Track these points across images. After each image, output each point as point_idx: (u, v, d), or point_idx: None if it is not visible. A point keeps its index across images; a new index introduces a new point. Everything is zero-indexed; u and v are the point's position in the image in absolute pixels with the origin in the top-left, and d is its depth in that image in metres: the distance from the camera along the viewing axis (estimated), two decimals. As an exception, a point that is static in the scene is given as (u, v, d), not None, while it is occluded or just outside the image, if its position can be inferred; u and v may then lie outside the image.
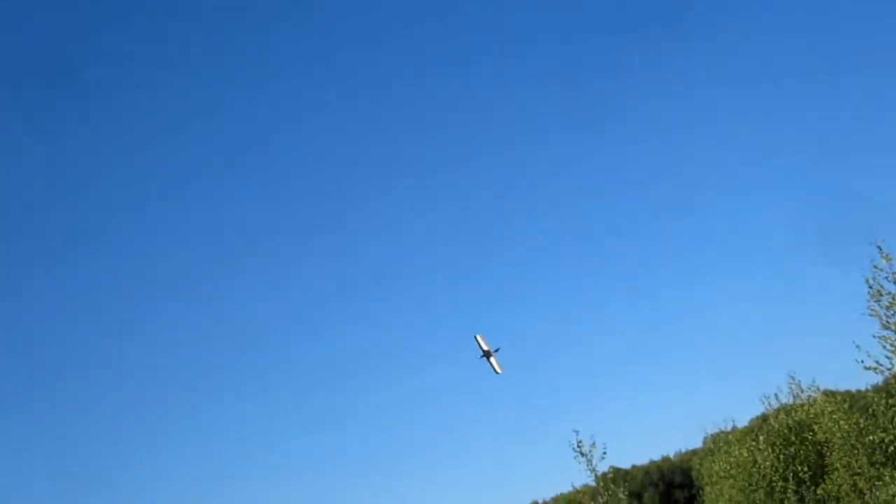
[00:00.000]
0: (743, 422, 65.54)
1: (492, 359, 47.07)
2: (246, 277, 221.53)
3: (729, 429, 56.30)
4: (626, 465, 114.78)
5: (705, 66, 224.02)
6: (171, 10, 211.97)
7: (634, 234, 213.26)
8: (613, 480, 38.98)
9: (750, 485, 46.91)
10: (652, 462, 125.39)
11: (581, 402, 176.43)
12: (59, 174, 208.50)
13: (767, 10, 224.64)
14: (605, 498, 36.41)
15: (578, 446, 36.06)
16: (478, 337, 47.00)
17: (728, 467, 49.28)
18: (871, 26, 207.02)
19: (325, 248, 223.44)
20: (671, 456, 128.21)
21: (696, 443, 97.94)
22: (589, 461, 36.09)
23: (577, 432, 36.13)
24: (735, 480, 48.16)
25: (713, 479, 52.08)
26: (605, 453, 36.42)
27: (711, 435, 59.97)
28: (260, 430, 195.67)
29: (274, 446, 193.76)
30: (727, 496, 48.84)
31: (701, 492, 61.29)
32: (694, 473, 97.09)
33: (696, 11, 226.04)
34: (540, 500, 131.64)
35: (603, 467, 37.02)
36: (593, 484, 37.57)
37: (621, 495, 36.77)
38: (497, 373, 46.90)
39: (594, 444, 36.14)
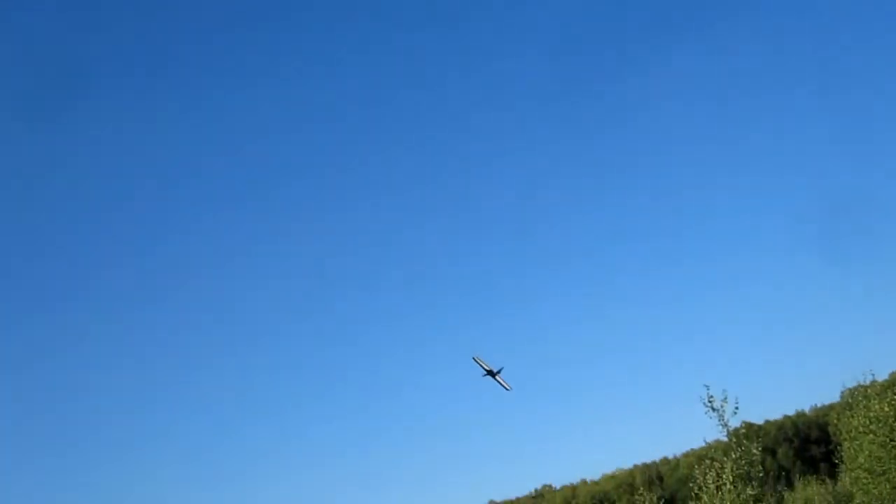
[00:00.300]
0: (883, 375, 63.51)
1: (498, 377, 45.39)
2: (246, 280, 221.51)
3: (868, 383, 54.47)
4: (759, 421, 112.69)
5: (706, 66, 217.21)
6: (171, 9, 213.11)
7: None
8: (746, 436, 38.44)
9: (891, 440, 45.51)
10: (786, 417, 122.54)
11: (713, 355, 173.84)
12: (59, 173, 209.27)
13: (767, 10, 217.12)
14: (737, 454, 35.97)
15: (710, 401, 35.79)
16: (475, 358, 45.42)
17: (867, 422, 47.79)
18: (871, 26, 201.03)
19: (324, 251, 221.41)
20: (806, 411, 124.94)
21: (833, 397, 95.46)
22: (721, 416, 35.81)
23: (707, 387, 35.87)
24: (875, 436, 46.75)
25: (852, 435, 50.62)
26: (737, 408, 35.99)
27: (849, 389, 58.12)
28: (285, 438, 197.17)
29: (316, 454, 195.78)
30: (867, 452, 47.47)
31: (839, 447, 59.66)
32: (831, 429, 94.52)
33: (696, 12, 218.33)
34: (670, 456, 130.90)
35: (735, 423, 36.63)
36: (725, 440, 37.26)
37: (754, 451, 36.21)
38: (507, 390, 45.70)
39: (726, 398, 35.80)
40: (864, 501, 48.22)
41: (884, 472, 46.02)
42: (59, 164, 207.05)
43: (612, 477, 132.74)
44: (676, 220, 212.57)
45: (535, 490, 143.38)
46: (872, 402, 48.17)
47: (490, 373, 45.45)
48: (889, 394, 47.58)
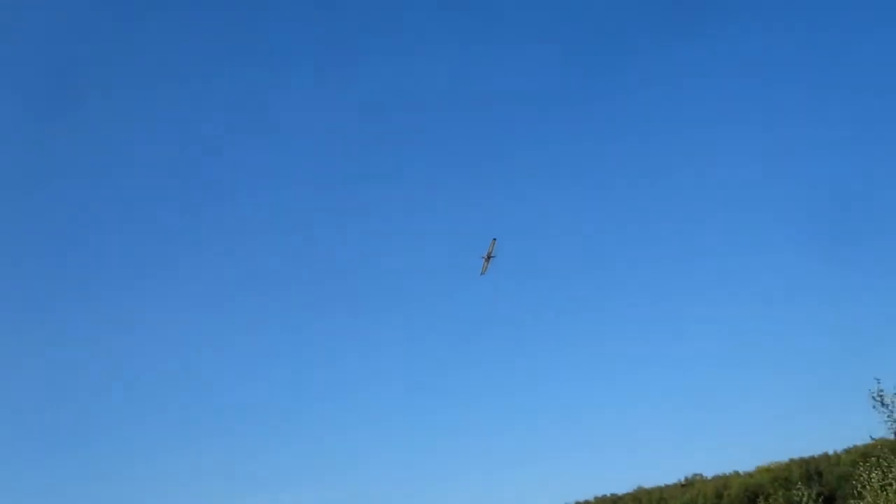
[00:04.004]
0: None
1: (487, 262, 53.17)
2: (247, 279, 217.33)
3: None
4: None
5: (706, 66, 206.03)
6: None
7: None
8: (917, 435, 36.34)
9: None
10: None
11: (883, 348, 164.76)
12: (66, 171, 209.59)
13: (768, 9, 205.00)
14: (906, 453, 34.19)
15: (879, 396, 34.08)
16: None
17: None
18: (873, 27, 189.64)
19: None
20: None
21: None
22: (890, 413, 34.06)
23: (878, 381, 34.16)
24: None
25: None
26: (908, 405, 34.19)
27: None
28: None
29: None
30: None
31: None
32: None
33: (696, 13, 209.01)
34: (830, 452, 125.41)
35: (905, 420, 34.76)
36: (893, 438, 35.45)
37: (926, 451, 34.32)
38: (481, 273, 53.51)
39: (897, 394, 34.02)
40: None
41: None
42: (65, 163, 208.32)
43: (768, 470, 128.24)
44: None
45: (686, 478, 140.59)
46: None
47: (488, 256, 53.23)
48: None
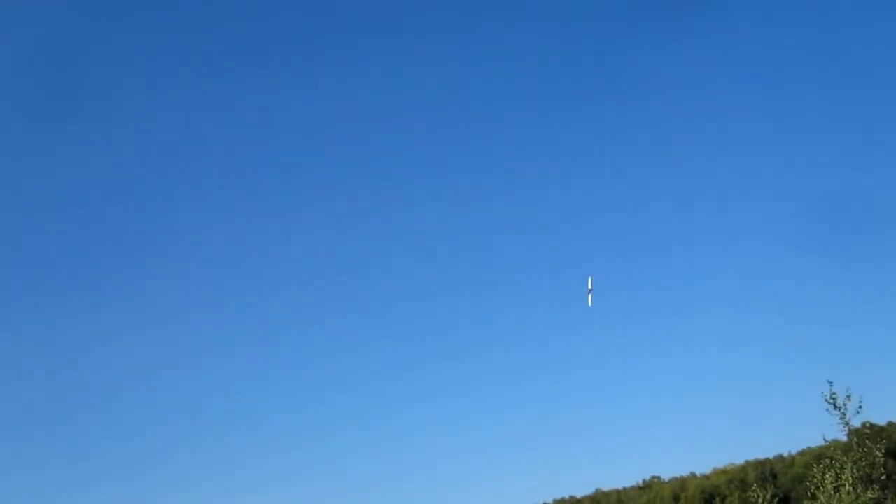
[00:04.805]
0: None
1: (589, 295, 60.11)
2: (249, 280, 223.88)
3: None
4: (882, 422, 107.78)
5: (705, 65, 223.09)
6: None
7: None
8: (869, 437, 36.89)
9: None
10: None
11: (838, 354, 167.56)
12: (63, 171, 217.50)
13: (769, 9, 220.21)
14: (858, 454, 34.55)
15: (832, 398, 34.48)
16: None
17: None
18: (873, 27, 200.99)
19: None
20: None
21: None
22: (842, 415, 34.46)
23: (830, 384, 34.54)
24: None
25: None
26: (860, 407, 34.57)
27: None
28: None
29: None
30: None
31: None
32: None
33: (696, 13, 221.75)
34: (785, 453, 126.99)
35: (857, 422, 35.24)
36: (846, 439, 35.86)
37: (877, 452, 34.74)
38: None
39: (849, 396, 34.41)
40: None
41: None
42: (62, 163, 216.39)
43: (724, 472, 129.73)
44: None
45: (643, 481, 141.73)
46: None
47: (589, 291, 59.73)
48: None
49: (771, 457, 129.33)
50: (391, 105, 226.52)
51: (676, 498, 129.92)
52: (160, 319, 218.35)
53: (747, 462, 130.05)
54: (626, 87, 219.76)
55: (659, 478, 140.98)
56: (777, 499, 47.47)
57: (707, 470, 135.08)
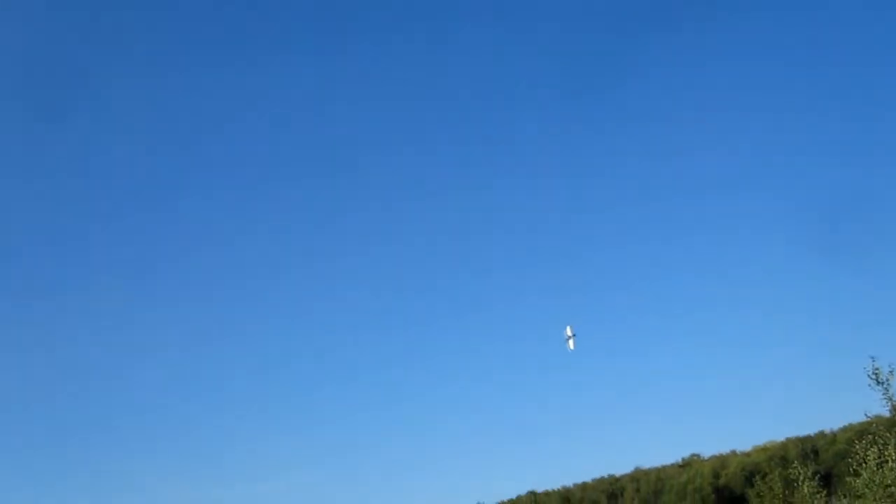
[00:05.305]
0: None
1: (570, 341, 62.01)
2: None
3: None
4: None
5: (705, 65, 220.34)
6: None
7: None
8: (913, 412, 36.28)
9: None
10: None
11: (880, 326, 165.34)
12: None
13: (769, 9, 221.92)
14: (902, 430, 34.05)
15: (875, 374, 33.97)
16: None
17: None
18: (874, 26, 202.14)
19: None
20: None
21: None
22: (886, 390, 33.95)
23: (873, 359, 34.05)
24: None
25: None
26: (904, 383, 34.06)
27: None
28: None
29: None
30: None
31: None
32: None
33: (696, 13, 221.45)
34: (826, 430, 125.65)
35: (901, 398, 34.64)
36: (889, 415, 35.36)
37: (922, 428, 34.21)
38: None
39: (892, 371, 33.87)
40: None
41: None
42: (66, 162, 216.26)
43: (764, 449, 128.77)
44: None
45: (683, 459, 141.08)
46: None
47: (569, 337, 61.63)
48: None
49: (812, 433, 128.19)
50: (383, 99, 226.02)
51: (717, 476, 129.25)
52: (151, 309, 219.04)
53: (788, 439, 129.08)
54: (626, 86, 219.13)
55: (699, 455, 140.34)
56: (819, 475, 46.96)
57: (748, 447, 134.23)
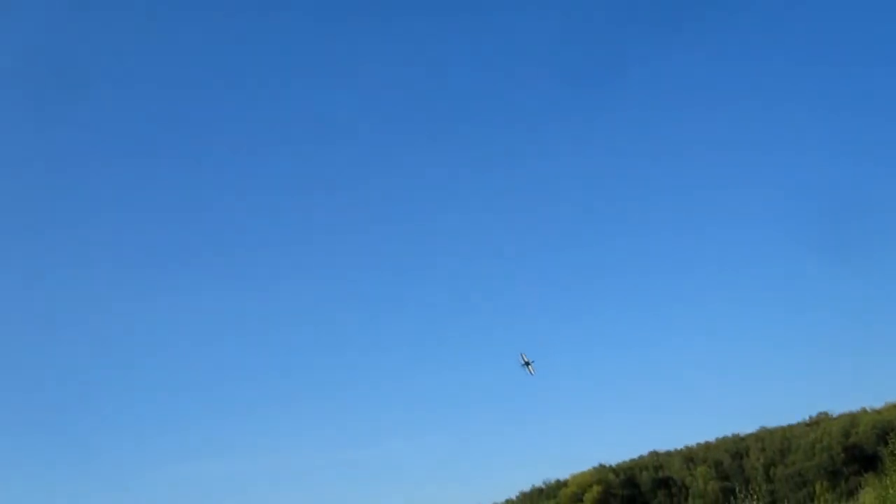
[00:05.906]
0: None
1: (529, 367, 64.90)
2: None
3: None
4: None
5: (705, 65, 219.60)
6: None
7: None
8: None
9: None
10: None
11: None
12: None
13: (769, 9, 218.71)
14: None
15: None
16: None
17: None
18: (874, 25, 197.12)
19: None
20: None
21: None
22: None
23: None
24: None
25: None
26: None
27: None
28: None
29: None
30: None
31: None
32: None
33: (696, 13, 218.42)
34: None
35: None
36: None
37: None
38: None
39: None
40: None
41: None
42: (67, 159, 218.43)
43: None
44: None
45: (810, 418, 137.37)
46: None
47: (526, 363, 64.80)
48: None
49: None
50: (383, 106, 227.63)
51: (847, 434, 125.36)
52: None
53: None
54: (625, 84, 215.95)
55: (827, 414, 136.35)
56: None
57: (880, 404, 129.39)
